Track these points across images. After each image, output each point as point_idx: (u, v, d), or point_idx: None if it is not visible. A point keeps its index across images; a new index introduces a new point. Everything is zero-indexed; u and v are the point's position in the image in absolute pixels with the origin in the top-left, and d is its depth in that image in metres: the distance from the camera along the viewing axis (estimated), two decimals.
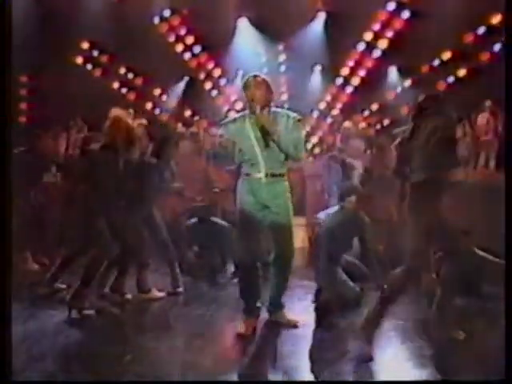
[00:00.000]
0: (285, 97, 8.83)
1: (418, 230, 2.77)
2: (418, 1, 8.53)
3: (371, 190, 5.03)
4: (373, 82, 8.77)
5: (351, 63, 9.02)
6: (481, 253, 4.15)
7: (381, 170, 5.45)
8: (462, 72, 8.26)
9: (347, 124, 7.55)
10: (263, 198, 3.18)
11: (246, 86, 3.17)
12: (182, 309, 3.82)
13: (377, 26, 8.84)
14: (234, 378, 2.64)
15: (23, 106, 9.92)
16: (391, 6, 8.78)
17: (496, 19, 7.90)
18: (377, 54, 8.89)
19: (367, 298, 3.71)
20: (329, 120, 8.99)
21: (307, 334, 3.28)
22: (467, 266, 4.00)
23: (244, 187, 3.22)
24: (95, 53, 9.86)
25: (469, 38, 8.19)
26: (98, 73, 9.89)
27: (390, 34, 8.80)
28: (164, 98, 9.78)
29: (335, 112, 9.06)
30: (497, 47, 7.86)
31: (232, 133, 3.23)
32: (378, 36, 8.85)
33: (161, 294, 4.03)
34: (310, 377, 2.67)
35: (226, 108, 9.41)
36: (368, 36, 8.88)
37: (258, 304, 3.35)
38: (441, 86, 8.15)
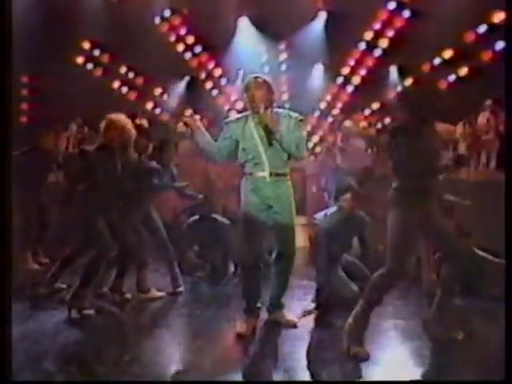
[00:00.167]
0: (285, 96, 8.83)
1: (396, 232, 2.76)
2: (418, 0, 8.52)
3: (372, 189, 5.02)
4: (373, 81, 8.76)
5: (352, 62, 9.01)
6: (481, 253, 4.15)
7: (382, 169, 5.45)
8: (463, 71, 8.25)
9: (348, 123, 7.55)
10: (267, 197, 3.19)
11: (247, 87, 3.20)
12: (181, 309, 3.81)
13: (377, 25, 8.83)
14: (234, 377, 2.64)
15: (24, 106, 9.94)
16: (392, 5, 8.76)
17: (498, 17, 7.87)
18: (377, 53, 8.88)
19: None
20: (329, 119, 8.98)
21: (307, 334, 3.29)
22: (467, 266, 4.00)
23: (248, 186, 3.23)
24: (96, 52, 9.88)
25: (470, 37, 8.17)
26: (98, 72, 9.91)
27: (390, 33, 8.79)
28: (165, 97, 9.79)
29: (336, 111, 9.06)
30: (498, 46, 7.83)
31: (235, 132, 3.25)
32: (378, 35, 8.85)
33: (160, 294, 4.03)
34: (309, 377, 2.67)
35: (226, 107, 9.41)
36: (369, 35, 8.87)
37: (259, 304, 3.36)
38: (442, 84, 8.13)
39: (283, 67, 9.22)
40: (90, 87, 9.08)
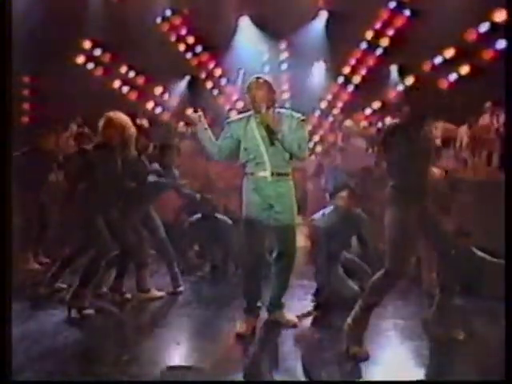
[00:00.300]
0: (286, 95, 8.83)
1: (394, 231, 2.76)
2: None
3: (371, 188, 5.01)
4: (374, 80, 8.76)
5: (352, 61, 9.02)
6: (480, 253, 4.14)
7: (382, 169, 5.43)
8: (464, 70, 8.23)
9: (348, 123, 7.54)
10: (268, 196, 3.19)
11: (248, 88, 3.22)
12: (181, 309, 3.81)
13: (378, 24, 8.84)
14: (234, 377, 2.64)
15: (26, 106, 9.96)
16: (392, 4, 8.76)
17: (499, 16, 7.86)
18: (378, 52, 8.88)
19: None
20: (330, 119, 8.98)
21: (306, 334, 3.29)
22: (467, 266, 4.00)
23: (249, 186, 3.24)
24: (96, 52, 9.89)
25: (471, 36, 8.16)
26: (99, 72, 9.92)
27: (391, 32, 8.79)
28: (165, 97, 9.80)
29: (336, 110, 9.05)
30: (500, 44, 7.82)
31: (237, 132, 3.26)
32: (379, 34, 8.85)
33: (160, 294, 4.03)
34: (309, 377, 2.67)
35: (227, 107, 9.41)
36: (369, 34, 8.87)
37: (259, 304, 3.36)
38: (443, 84, 8.12)
39: (284, 66, 9.23)
40: (91, 87, 9.10)
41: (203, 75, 9.68)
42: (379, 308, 2.94)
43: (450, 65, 8.28)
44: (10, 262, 2.85)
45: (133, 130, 3.64)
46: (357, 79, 9.01)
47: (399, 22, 8.72)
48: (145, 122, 8.31)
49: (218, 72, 9.64)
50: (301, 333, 3.28)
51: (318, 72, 9.20)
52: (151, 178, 3.96)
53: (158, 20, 9.65)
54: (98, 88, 9.16)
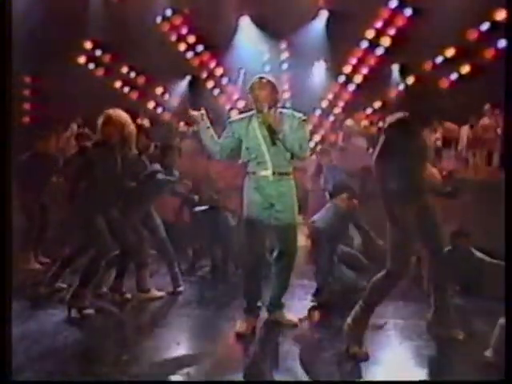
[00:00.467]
0: (287, 95, 8.83)
1: (393, 231, 2.75)
2: None
3: (371, 188, 4.99)
4: (375, 79, 8.75)
5: (353, 61, 9.02)
6: (479, 254, 4.14)
7: None
8: (465, 69, 8.22)
9: (349, 122, 7.52)
10: (270, 195, 3.20)
11: (251, 88, 3.22)
12: (181, 309, 3.81)
13: (379, 24, 8.83)
14: (234, 377, 2.64)
15: (27, 106, 9.98)
16: (393, 4, 8.75)
17: (500, 15, 7.84)
18: (379, 51, 8.87)
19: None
20: (331, 118, 8.97)
21: (306, 334, 3.28)
22: (466, 266, 4.00)
23: (251, 185, 3.25)
24: (98, 52, 9.91)
25: (472, 35, 8.15)
26: (100, 72, 9.93)
27: (392, 31, 8.79)
28: (166, 96, 9.80)
29: (337, 110, 9.05)
30: (501, 43, 7.80)
31: (238, 131, 3.27)
32: (380, 33, 8.85)
33: (160, 294, 4.03)
34: (309, 377, 2.67)
35: (228, 107, 9.42)
36: (370, 34, 8.87)
37: (259, 303, 3.36)
38: (444, 83, 8.10)
39: (284, 66, 9.23)
40: (92, 87, 9.10)
41: (204, 75, 9.68)
42: (379, 308, 2.93)
43: (451, 64, 8.26)
44: (10, 261, 2.85)
45: (132, 127, 3.60)
46: (358, 78, 9.01)
47: (400, 21, 8.71)
48: (146, 122, 8.32)
49: (218, 72, 9.65)
50: (301, 333, 3.28)
51: (319, 71, 9.20)
52: (160, 176, 3.95)
53: (159, 20, 9.65)
54: (98, 88, 9.16)
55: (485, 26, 8.07)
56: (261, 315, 3.37)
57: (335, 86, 9.11)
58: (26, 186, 4.95)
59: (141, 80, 9.84)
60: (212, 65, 9.63)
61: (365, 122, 8.25)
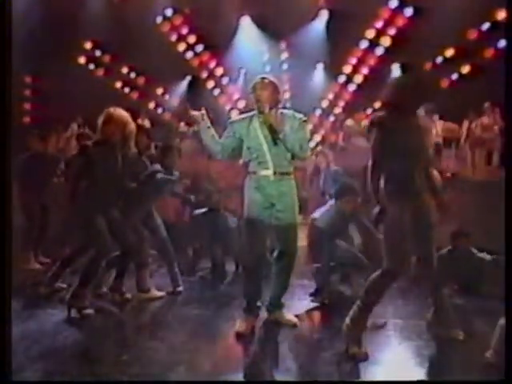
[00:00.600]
0: (287, 95, 8.82)
1: (389, 231, 2.75)
2: None
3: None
4: (375, 79, 8.73)
5: (354, 61, 9.01)
6: (480, 254, 4.14)
7: None
8: (465, 69, 8.21)
9: (349, 122, 7.52)
10: (270, 195, 3.21)
11: (253, 88, 3.24)
12: (181, 308, 3.82)
13: (379, 24, 8.82)
14: (234, 377, 2.64)
15: (27, 106, 9.99)
16: (394, 3, 8.74)
17: (500, 15, 7.84)
18: (379, 51, 8.86)
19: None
20: (331, 118, 8.96)
21: (306, 334, 3.28)
22: (467, 266, 4.00)
23: (252, 185, 3.26)
24: (98, 53, 9.90)
25: (472, 35, 8.14)
26: (100, 72, 9.93)
27: (392, 31, 8.78)
28: (166, 97, 9.80)
29: (338, 110, 9.04)
30: (501, 43, 7.79)
31: (239, 131, 3.28)
32: (380, 33, 8.83)
33: (160, 294, 4.03)
34: (308, 377, 2.66)
35: (228, 107, 9.41)
36: (370, 33, 8.86)
37: (259, 303, 3.36)
38: (444, 83, 8.11)
39: (285, 66, 9.22)
40: (92, 87, 9.10)
41: (204, 75, 9.67)
42: (379, 308, 2.93)
43: (452, 64, 8.26)
44: (10, 261, 2.86)
45: (133, 126, 3.60)
46: (358, 78, 9.00)
47: (400, 21, 8.70)
48: (146, 122, 8.32)
49: (218, 72, 9.64)
50: (300, 333, 3.27)
51: (319, 72, 9.19)
52: (160, 176, 3.96)
53: (159, 20, 9.65)
54: (99, 88, 9.16)
55: (485, 26, 8.07)
56: (260, 315, 3.38)
57: (335, 86, 9.10)
58: (26, 186, 4.97)
59: (141, 80, 9.84)
60: (212, 65, 9.63)
61: (365, 122, 8.23)
